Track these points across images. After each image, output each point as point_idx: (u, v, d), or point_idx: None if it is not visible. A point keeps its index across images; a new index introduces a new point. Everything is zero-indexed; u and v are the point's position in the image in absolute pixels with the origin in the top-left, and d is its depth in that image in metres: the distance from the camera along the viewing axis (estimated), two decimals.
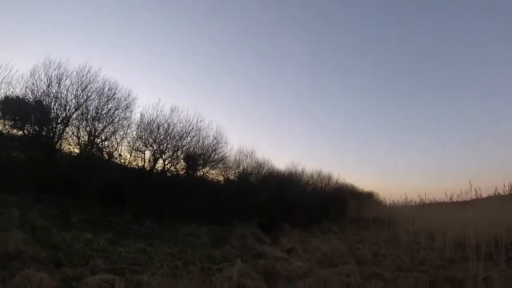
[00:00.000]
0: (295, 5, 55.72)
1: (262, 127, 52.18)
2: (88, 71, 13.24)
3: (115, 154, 14.58)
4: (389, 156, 57.75)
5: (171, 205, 13.46)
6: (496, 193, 15.08)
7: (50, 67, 12.66)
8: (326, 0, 56.64)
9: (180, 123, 15.85)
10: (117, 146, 14.56)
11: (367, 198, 33.24)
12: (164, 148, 15.41)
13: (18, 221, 7.54)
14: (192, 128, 16.14)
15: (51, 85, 12.64)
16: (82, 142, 13.57)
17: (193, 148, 16.43)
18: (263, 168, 20.27)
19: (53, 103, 12.72)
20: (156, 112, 15.29)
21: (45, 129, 12.85)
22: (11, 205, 8.22)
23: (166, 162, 15.74)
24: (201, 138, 16.67)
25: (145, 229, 10.89)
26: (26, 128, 12.60)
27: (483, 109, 55.14)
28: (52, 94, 12.66)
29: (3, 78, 11.89)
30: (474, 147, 54.25)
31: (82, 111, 13.26)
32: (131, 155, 15.16)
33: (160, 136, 15.28)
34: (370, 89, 61.61)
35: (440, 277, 8.32)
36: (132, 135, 14.95)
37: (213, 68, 55.65)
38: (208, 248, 9.94)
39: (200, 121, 16.52)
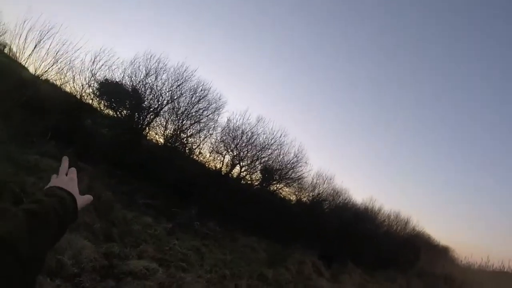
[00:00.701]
0: None
1: (342, 152, 50.60)
2: (185, 70, 13.67)
3: (196, 151, 14.78)
4: (474, 212, 53.89)
5: (237, 212, 13.23)
6: None
7: (150, 59, 13.21)
8: None
9: (263, 134, 15.73)
10: (200, 144, 14.78)
11: (442, 252, 30.75)
12: (243, 156, 15.35)
13: (84, 188, 7.65)
14: (275, 141, 15.90)
15: (149, 76, 13.17)
16: (168, 133, 13.96)
17: (272, 162, 16.17)
18: (339, 196, 19.44)
19: (148, 92, 13.26)
20: (243, 119, 15.32)
21: (137, 115, 13.35)
22: (83, 171, 8.40)
23: (242, 169, 15.66)
24: (281, 152, 16.34)
25: (206, 229, 10.73)
26: (120, 110, 13.22)
27: None
28: (148, 85, 13.21)
29: (105, 61, 12.59)
30: None
31: (174, 105, 13.68)
32: (211, 155, 15.31)
33: (242, 143, 15.24)
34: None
35: None
36: (216, 137, 15.13)
37: (304, 86, 54.63)
38: (263, 265, 9.54)
39: (284, 135, 16.26)
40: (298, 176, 17.01)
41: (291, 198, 18.27)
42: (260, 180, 16.49)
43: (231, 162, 15.42)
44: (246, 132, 15.28)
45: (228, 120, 15.29)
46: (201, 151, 15.07)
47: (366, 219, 20.82)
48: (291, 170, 16.62)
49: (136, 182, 11.03)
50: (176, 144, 14.25)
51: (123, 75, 13.03)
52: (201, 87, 14.02)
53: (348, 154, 50.09)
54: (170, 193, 12.04)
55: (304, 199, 18.38)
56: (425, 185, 54.52)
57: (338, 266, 14.37)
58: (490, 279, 17.65)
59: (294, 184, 17.45)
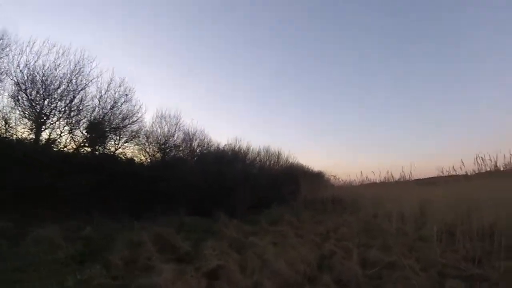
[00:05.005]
0: None
1: (194, 93, 46.56)
2: None
3: None
4: (333, 135, 55.54)
5: (46, 195, 9.29)
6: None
7: None
8: None
9: (65, 67, 11.31)
10: None
11: (319, 177, 30.87)
12: (48, 111, 10.79)
13: None
14: (79, 72, 11.61)
15: None
16: None
17: (94, 111, 12.01)
18: (195, 140, 16.03)
19: None
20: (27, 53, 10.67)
21: None
22: None
23: (52, 130, 11.25)
24: (101, 92, 12.36)
25: None
26: None
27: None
28: None
29: None
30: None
31: None
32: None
33: (41, 91, 10.77)
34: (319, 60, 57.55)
35: None
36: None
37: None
38: (65, 267, 5.41)
39: (91, 63, 12.12)
40: (126, 117, 13.10)
41: (141, 157, 14.24)
42: (88, 141, 12.05)
43: (36, 123, 10.75)
44: (42, 72, 10.69)
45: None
46: None
47: (234, 160, 17.83)
48: (120, 115, 12.66)
49: None
50: None
51: None
52: None
53: (198, 91, 46.59)
54: None
55: (157, 154, 14.45)
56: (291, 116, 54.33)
57: (208, 224, 10.88)
58: (369, 189, 18.14)
59: (137, 135, 13.62)
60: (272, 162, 23.95)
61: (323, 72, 57.39)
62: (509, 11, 38.85)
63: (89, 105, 11.91)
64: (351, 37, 55.66)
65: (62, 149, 11.40)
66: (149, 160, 14.33)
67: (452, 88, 52.07)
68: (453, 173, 12.26)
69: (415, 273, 5.55)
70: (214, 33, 50.94)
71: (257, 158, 22.15)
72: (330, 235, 9.70)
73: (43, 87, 10.68)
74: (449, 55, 50.48)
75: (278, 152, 24.65)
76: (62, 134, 11.33)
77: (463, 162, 11.51)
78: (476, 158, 11.07)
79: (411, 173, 14.41)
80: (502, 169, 10.88)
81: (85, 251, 6.49)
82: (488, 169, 11.04)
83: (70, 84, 11.19)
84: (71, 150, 11.62)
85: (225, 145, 19.03)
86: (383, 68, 55.74)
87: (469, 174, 11.80)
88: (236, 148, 19.47)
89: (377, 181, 18.23)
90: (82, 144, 11.96)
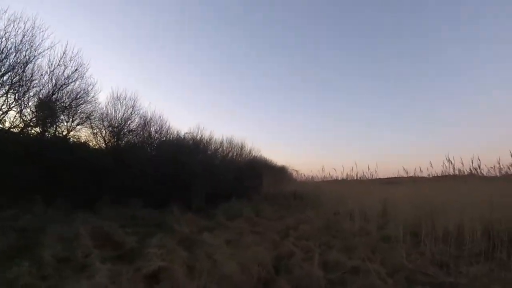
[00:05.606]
0: None
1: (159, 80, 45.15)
2: None
3: None
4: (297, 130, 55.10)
5: None
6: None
7: None
8: None
9: (15, 36, 10.18)
10: None
11: (282, 172, 30.62)
12: None
13: None
14: (29, 41, 10.49)
15: None
16: None
17: (44, 87, 11.19)
18: (152, 126, 15.24)
19: None
20: None
21: None
22: None
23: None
24: (48, 67, 11.25)
25: None
26: None
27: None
28: None
29: None
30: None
31: None
32: None
33: None
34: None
35: None
36: None
37: None
38: None
39: (43, 32, 10.91)
40: (85, 101, 12.25)
41: (95, 141, 13.36)
42: (37, 120, 11.15)
43: None
44: None
45: None
46: None
47: (195, 150, 17.24)
48: (72, 93, 11.81)
49: None
50: None
51: None
52: None
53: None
54: None
55: (112, 139, 13.58)
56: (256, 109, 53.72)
57: (162, 217, 10.16)
58: (331, 186, 17.73)
59: (93, 118, 12.88)
60: (235, 154, 23.29)
61: (286, 65, 56.80)
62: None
63: (39, 79, 10.99)
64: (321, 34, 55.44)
65: (9, 128, 10.48)
66: (104, 146, 13.46)
67: (423, 89, 52.28)
68: (420, 174, 12.02)
69: (382, 279, 5.06)
70: (177, 17, 49.32)
71: (220, 149, 21.47)
72: (290, 233, 9.12)
73: None
74: (419, 54, 50.79)
75: (242, 144, 24.04)
76: (9, 110, 10.38)
77: (431, 164, 11.21)
78: (448, 160, 10.75)
79: (375, 171, 14.10)
80: (466, 173, 10.62)
81: (19, 245, 5.71)
82: (453, 173, 10.82)
83: (18, 55, 10.20)
84: (18, 131, 10.71)
85: (186, 133, 18.11)
86: (350, 65, 55.80)
87: (431, 175, 11.56)
88: (198, 137, 18.55)
89: (339, 178, 18.02)
90: (31, 124, 11.04)
